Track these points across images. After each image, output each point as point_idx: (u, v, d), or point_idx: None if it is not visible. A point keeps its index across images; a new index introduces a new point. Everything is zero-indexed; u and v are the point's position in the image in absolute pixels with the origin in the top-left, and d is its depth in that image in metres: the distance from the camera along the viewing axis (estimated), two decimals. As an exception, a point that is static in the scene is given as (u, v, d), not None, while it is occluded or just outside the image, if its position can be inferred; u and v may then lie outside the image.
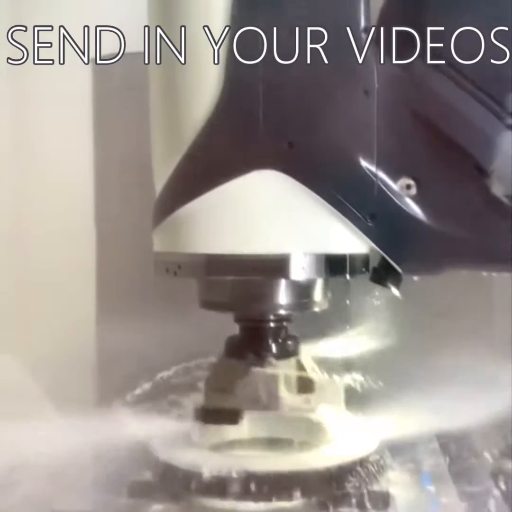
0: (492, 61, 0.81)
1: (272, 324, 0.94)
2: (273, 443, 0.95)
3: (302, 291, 0.92)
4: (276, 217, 0.85)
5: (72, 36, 1.39)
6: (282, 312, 0.93)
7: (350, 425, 1.00)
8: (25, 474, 0.97)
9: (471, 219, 0.83)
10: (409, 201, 0.84)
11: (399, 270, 0.86)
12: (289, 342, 0.95)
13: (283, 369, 0.92)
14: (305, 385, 0.93)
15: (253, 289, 0.90)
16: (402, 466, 0.95)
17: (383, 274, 0.88)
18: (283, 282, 0.90)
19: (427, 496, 0.88)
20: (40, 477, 0.95)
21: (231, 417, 0.92)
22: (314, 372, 0.95)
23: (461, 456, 0.99)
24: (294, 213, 0.85)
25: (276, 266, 0.85)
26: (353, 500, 0.85)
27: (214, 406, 0.93)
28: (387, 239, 0.85)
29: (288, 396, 0.92)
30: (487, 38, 0.82)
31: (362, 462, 0.89)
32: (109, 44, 1.32)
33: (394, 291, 0.89)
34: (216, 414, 0.93)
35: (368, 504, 0.84)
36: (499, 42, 0.82)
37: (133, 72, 1.11)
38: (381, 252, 0.85)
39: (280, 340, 0.94)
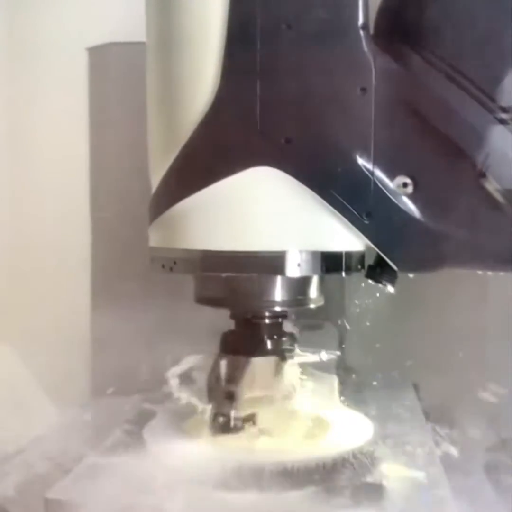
0: (487, 56, 0.82)
1: (267, 321, 0.94)
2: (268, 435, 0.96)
3: (298, 288, 0.92)
4: (272, 214, 0.85)
5: (70, 25, 1.38)
6: (277, 308, 0.93)
7: (344, 418, 1.01)
8: (19, 463, 0.97)
9: (467, 218, 0.84)
10: (405, 199, 0.84)
11: (395, 268, 0.86)
12: (285, 338, 0.95)
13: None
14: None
15: (249, 286, 0.90)
16: (395, 458, 0.95)
17: (378, 272, 0.89)
18: (278, 279, 0.90)
19: (420, 489, 0.89)
20: (33, 465, 0.95)
21: (250, 419, 0.93)
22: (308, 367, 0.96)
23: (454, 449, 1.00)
24: (290, 210, 0.85)
25: (272, 263, 0.86)
26: (347, 492, 0.85)
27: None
28: (383, 237, 0.85)
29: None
30: (482, 34, 0.82)
31: (356, 454, 0.90)
32: (107, 34, 1.32)
33: (389, 288, 0.89)
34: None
35: (361, 496, 0.85)
36: (494, 39, 0.82)
37: (130, 62, 1.11)
38: (377, 250, 0.86)
39: (275, 336, 0.95)
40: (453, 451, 0.94)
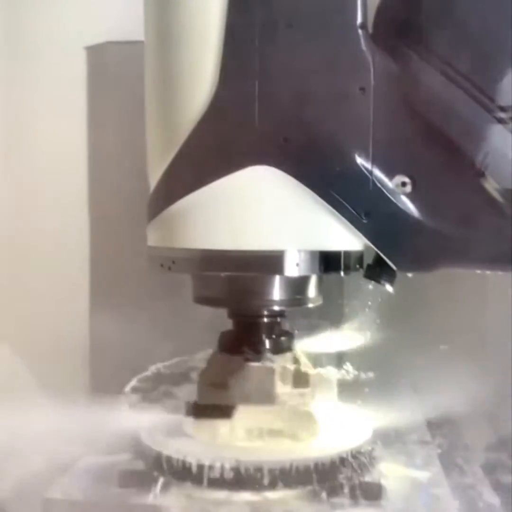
0: (486, 56, 0.82)
1: (266, 320, 0.95)
2: (266, 434, 0.96)
3: (296, 287, 0.92)
4: (271, 214, 0.85)
5: (68, 24, 1.38)
6: (276, 308, 0.93)
7: (343, 417, 1.01)
8: (18, 463, 0.97)
9: (466, 217, 0.84)
10: (404, 198, 0.84)
11: (394, 267, 0.86)
12: (283, 338, 0.95)
13: (279, 364, 0.93)
14: (300, 379, 0.94)
15: (247, 285, 0.91)
16: (394, 458, 0.95)
17: (377, 271, 0.88)
18: (277, 278, 0.90)
19: (419, 488, 0.89)
20: (32, 465, 0.96)
21: (224, 412, 0.93)
22: (307, 366, 0.95)
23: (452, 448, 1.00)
24: (289, 210, 0.85)
25: (271, 262, 0.86)
26: (345, 491, 0.85)
27: (207, 402, 0.94)
28: (381, 237, 0.85)
29: (283, 390, 0.93)
30: (480, 34, 0.82)
31: (355, 453, 0.90)
32: (105, 33, 1.32)
33: (388, 288, 0.89)
34: (209, 409, 0.93)
35: (360, 495, 0.85)
36: (492, 38, 0.82)
37: (128, 61, 1.11)
38: (375, 249, 0.86)
39: (273, 336, 0.95)
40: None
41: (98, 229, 1.38)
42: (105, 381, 1.19)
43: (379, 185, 0.84)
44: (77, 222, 1.38)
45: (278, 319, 0.96)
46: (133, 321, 1.17)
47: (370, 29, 0.84)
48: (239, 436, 0.92)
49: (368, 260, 0.90)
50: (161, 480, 0.87)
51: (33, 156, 1.45)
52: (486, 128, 0.82)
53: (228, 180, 0.85)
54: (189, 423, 0.97)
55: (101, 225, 1.38)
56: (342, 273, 0.88)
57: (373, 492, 0.85)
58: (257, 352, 0.93)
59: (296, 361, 0.95)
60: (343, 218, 0.84)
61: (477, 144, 0.82)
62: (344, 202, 0.84)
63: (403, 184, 0.84)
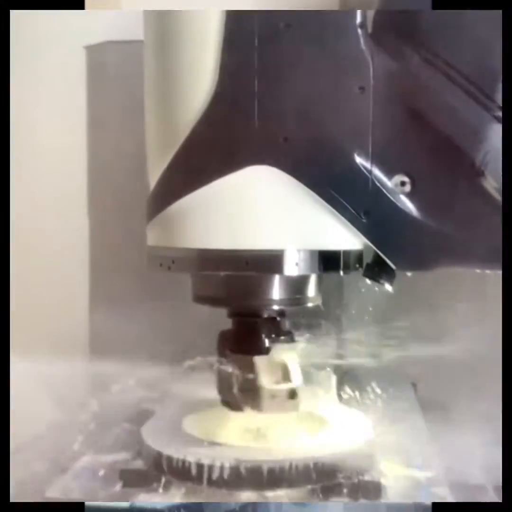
0: (484, 55, 0.82)
1: (265, 319, 0.94)
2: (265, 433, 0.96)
3: (296, 286, 0.92)
4: (270, 213, 0.86)
5: (67, 23, 1.38)
6: (275, 307, 0.94)
7: (342, 416, 1.01)
8: (18, 462, 0.97)
9: (465, 217, 0.84)
10: (403, 198, 0.85)
11: (393, 266, 0.86)
12: (282, 338, 0.95)
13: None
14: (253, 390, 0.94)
15: (247, 285, 0.91)
16: (394, 457, 0.95)
17: (376, 270, 0.89)
18: (276, 278, 0.90)
19: (419, 487, 0.89)
20: (32, 465, 0.95)
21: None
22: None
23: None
24: (288, 209, 0.85)
25: (270, 261, 0.86)
26: (345, 490, 0.85)
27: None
28: (381, 236, 0.85)
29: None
30: (480, 33, 0.83)
31: (354, 452, 0.90)
32: (104, 32, 1.33)
33: (387, 287, 0.89)
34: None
35: (359, 494, 0.85)
36: (492, 37, 0.82)
37: (128, 60, 1.11)
38: (375, 248, 0.86)
39: (273, 335, 0.95)
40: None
41: (98, 229, 1.38)
42: (105, 381, 1.19)
43: (378, 184, 0.84)
44: (77, 222, 1.39)
45: (278, 319, 0.95)
46: (133, 321, 1.17)
47: (370, 29, 0.84)
48: (239, 436, 0.93)
49: (367, 259, 0.90)
50: (161, 480, 0.87)
51: (33, 156, 1.45)
52: (485, 128, 0.82)
53: (227, 180, 0.85)
54: (189, 422, 0.98)
55: (101, 225, 1.38)
56: (341, 272, 0.88)
57: (373, 492, 0.85)
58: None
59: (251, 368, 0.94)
60: (342, 218, 0.85)
61: (477, 143, 0.82)
62: (343, 202, 0.84)
63: (402, 183, 0.84)
